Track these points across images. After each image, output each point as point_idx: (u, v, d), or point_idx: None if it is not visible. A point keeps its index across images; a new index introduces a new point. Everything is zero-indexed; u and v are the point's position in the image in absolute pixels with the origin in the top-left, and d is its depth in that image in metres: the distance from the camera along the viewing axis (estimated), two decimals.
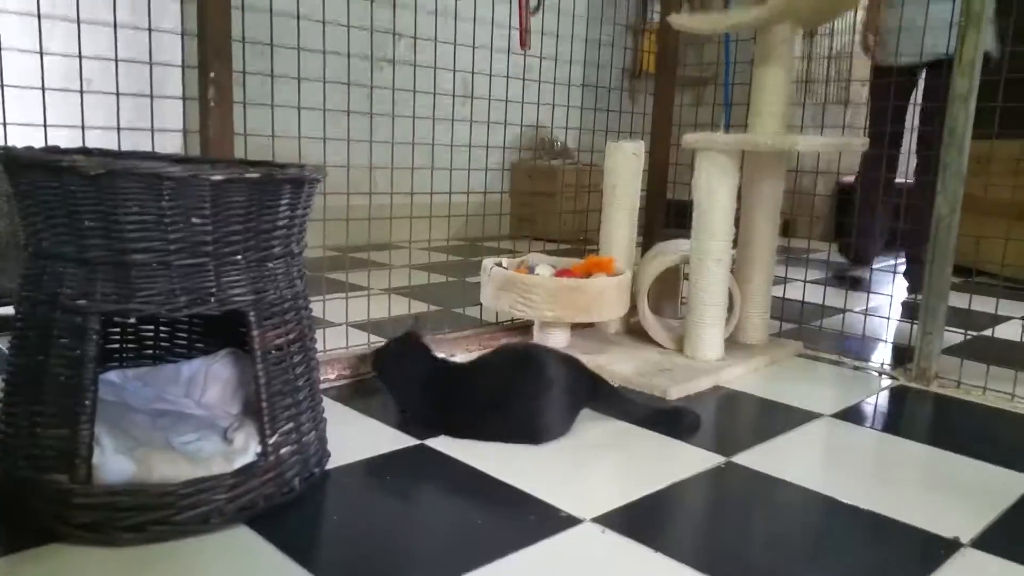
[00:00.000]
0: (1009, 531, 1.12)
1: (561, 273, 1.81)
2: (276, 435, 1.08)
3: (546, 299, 1.71)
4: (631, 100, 2.53)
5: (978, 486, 1.26)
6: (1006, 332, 2.18)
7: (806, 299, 2.11)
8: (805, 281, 2.09)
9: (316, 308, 1.71)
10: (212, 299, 1.02)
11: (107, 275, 0.98)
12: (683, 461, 1.31)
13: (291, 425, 1.10)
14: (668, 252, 1.89)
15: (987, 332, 1.96)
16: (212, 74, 1.40)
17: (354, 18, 1.62)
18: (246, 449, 1.07)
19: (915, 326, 1.79)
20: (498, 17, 1.92)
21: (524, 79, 2.02)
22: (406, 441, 1.34)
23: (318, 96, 1.60)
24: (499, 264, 1.83)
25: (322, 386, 1.58)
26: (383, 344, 1.50)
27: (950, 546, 1.06)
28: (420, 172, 1.82)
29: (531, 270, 1.84)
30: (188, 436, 1.13)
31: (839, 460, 1.36)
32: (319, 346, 1.64)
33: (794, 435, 1.45)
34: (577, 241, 3.58)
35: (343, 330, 1.71)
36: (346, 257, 1.78)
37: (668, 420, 1.45)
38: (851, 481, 1.26)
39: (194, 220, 0.99)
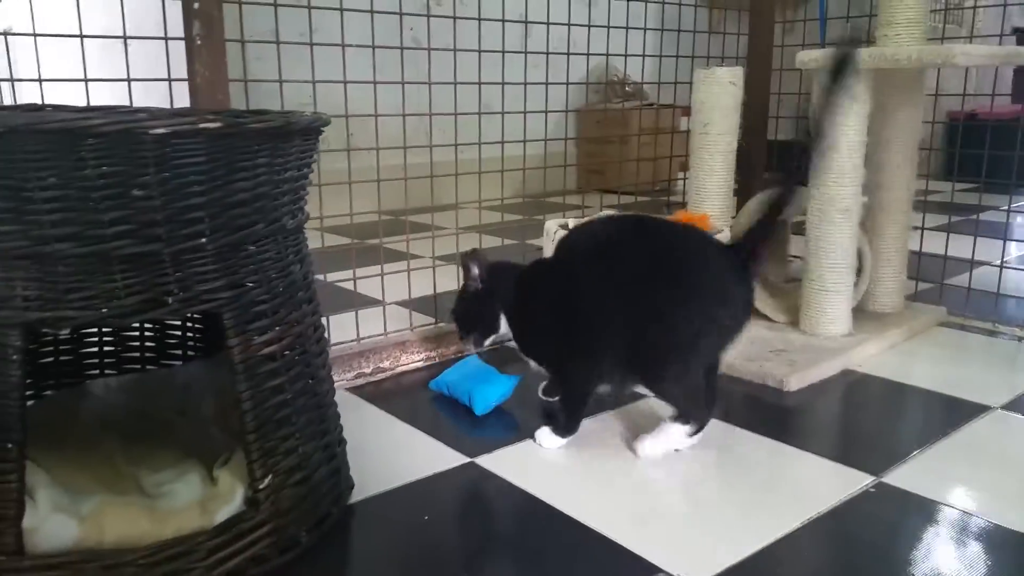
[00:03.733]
0: None
1: None
2: (270, 476, 0.80)
3: None
4: (711, 38, 2.13)
5: None
6: None
7: (948, 252, 1.71)
8: (948, 230, 1.69)
9: (347, 285, 1.45)
10: (170, 299, 0.75)
11: (27, 273, 0.71)
12: (814, 483, 0.98)
13: (292, 460, 0.83)
14: None
15: None
16: (196, 4, 1.12)
17: None
18: (231, 495, 0.80)
19: None
20: None
21: (590, 25, 1.65)
22: (453, 459, 1.06)
23: (335, 30, 1.29)
24: (564, 226, 1.51)
25: (355, 382, 1.32)
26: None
27: None
28: (466, 119, 1.50)
29: None
30: (163, 474, 0.87)
31: None
32: (351, 334, 1.38)
33: (960, 439, 1.10)
34: (654, 193, 3.22)
35: (379, 312, 1.44)
36: (380, 222, 1.48)
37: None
38: None
39: (135, 192, 0.71)
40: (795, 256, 1.77)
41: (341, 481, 0.92)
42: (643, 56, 1.94)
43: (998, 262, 1.71)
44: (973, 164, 3.22)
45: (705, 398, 1.06)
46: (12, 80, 1.13)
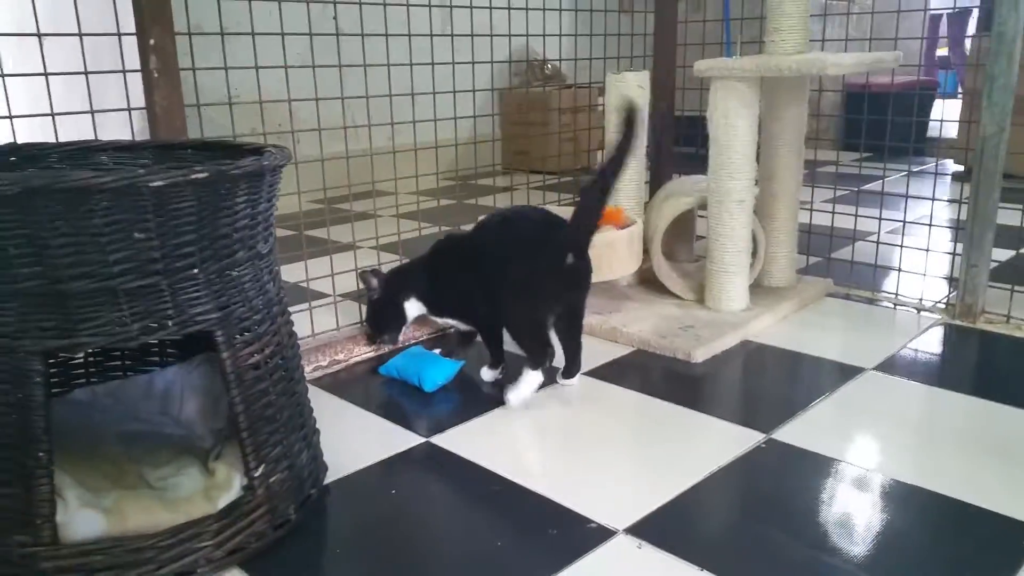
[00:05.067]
0: None
1: None
2: (262, 465, 0.95)
3: None
4: (622, 17, 2.29)
5: None
6: None
7: (835, 224, 1.94)
8: (833, 211, 1.92)
9: (297, 272, 1.56)
10: (170, 322, 0.88)
11: (44, 308, 0.83)
12: (716, 442, 1.19)
13: (279, 450, 0.97)
14: (681, 193, 1.73)
15: None
16: (152, 40, 1.22)
17: None
18: (230, 484, 0.94)
19: (958, 257, 1.64)
20: None
21: (509, 8, 1.80)
22: (410, 440, 1.22)
23: (277, 49, 1.40)
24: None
25: (313, 374, 1.46)
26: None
27: None
28: (401, 113, 1.64)
29: None
30: (165, 469, 1.00)
31: (891, 428, 1.24)
32: (307, 329, 1.51)
33: (838, 398, 1.32)
34: (576, 171, 3.40)
35: (331, 308, 1.57)
36: (327, 214, 1.61)
37: None
38: (911, 454, 1.14)
39: (137, 235, 0.83)
40: (701, 236, 1.97)
41: (318, 465, 1.07)
42: (559, 36, 2.07)
43: (875, 237, 1.95)
44: (869, 133, 3.49)
45: (567, 347, 1.37)
46: None
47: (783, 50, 1.60)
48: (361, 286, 1.50)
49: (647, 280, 1.80)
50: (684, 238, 1.93)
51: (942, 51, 5.22)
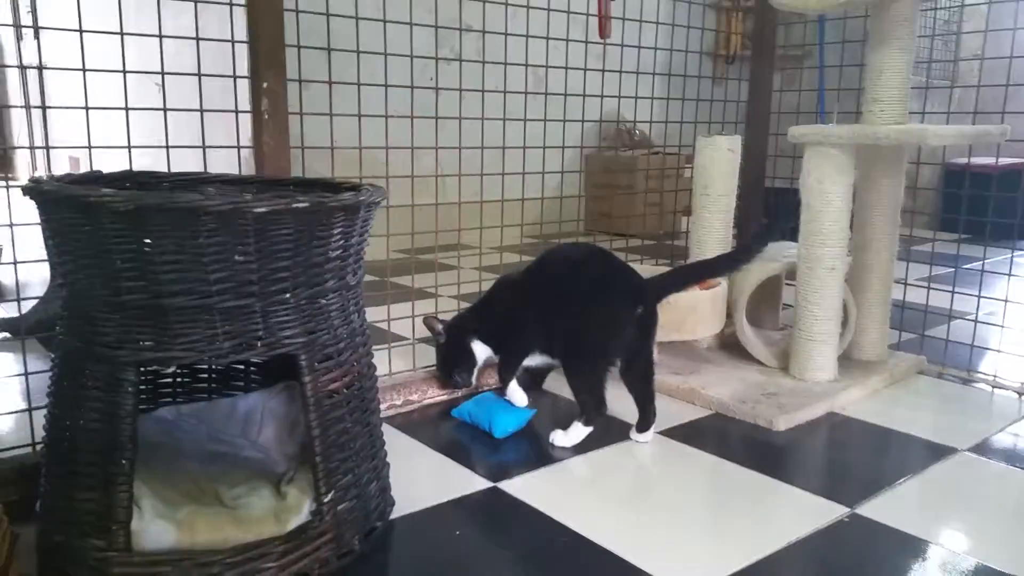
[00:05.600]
0: None
1: None
2: (332, 492, 0.96)
3: None
4: (715, 86, 2.31)
5: None
6: None
7: (929, 302, 1.86)
8: (928, 286, 1.85)
9: (379, 314, 1.59)
10: (259, 343, 0.91)
11: (143, 320, 0.87)
12: (796, 513, 1.13)
13: (349, 478, 0.98)
14: (769, 258, 1.69)
15: None
16: (265, 84, 1.29)
17: (416, 14, 1.49)
18: (299, 507, 0.95)
19: None
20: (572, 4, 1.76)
21: (603, 70, 1.84)
22: (478, 483, 1.21)
23: (379, 100, 1.47)
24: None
25: (387, 412, 1.47)
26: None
27: None
28: (491, 167, 1.68)
29: None
30: (238, 489, 1.02)
31: (984, 511, 1.16)
32: (384, 368, 1.53)
33: (928, 477, 1.25)
34: (660, 236, 3.39)
35: (410, 351, 1.59)
36: (412, 261, 1.65)
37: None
38: (1006, 540, 1.06)
39: (237, 257, 0.87)
40: (788, 304, 1.92)
41: (385, 499, 1.08)
42: (651, 99, 2.10)
43: (973, 316, 1.85)
44: (968, 212, 3.35)
45: (638, 397, 1.35)
46: (90, 147, 1.28)
47: (881, 120, 1.58)
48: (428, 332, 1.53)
49: (728, 344, 1.76)
50: (770, 305, 1.88)
51: None
